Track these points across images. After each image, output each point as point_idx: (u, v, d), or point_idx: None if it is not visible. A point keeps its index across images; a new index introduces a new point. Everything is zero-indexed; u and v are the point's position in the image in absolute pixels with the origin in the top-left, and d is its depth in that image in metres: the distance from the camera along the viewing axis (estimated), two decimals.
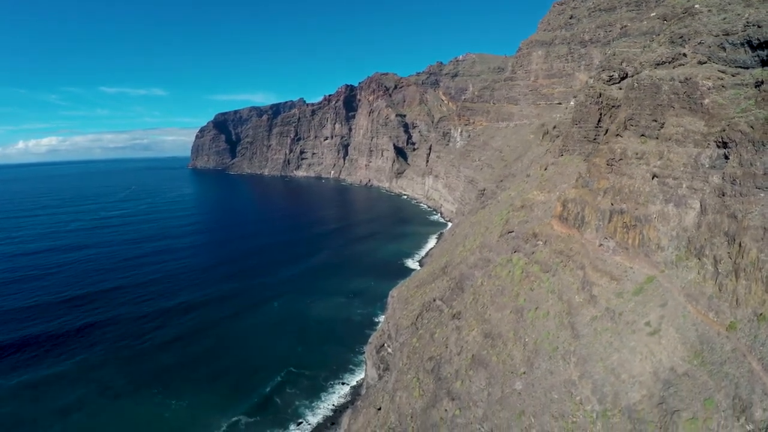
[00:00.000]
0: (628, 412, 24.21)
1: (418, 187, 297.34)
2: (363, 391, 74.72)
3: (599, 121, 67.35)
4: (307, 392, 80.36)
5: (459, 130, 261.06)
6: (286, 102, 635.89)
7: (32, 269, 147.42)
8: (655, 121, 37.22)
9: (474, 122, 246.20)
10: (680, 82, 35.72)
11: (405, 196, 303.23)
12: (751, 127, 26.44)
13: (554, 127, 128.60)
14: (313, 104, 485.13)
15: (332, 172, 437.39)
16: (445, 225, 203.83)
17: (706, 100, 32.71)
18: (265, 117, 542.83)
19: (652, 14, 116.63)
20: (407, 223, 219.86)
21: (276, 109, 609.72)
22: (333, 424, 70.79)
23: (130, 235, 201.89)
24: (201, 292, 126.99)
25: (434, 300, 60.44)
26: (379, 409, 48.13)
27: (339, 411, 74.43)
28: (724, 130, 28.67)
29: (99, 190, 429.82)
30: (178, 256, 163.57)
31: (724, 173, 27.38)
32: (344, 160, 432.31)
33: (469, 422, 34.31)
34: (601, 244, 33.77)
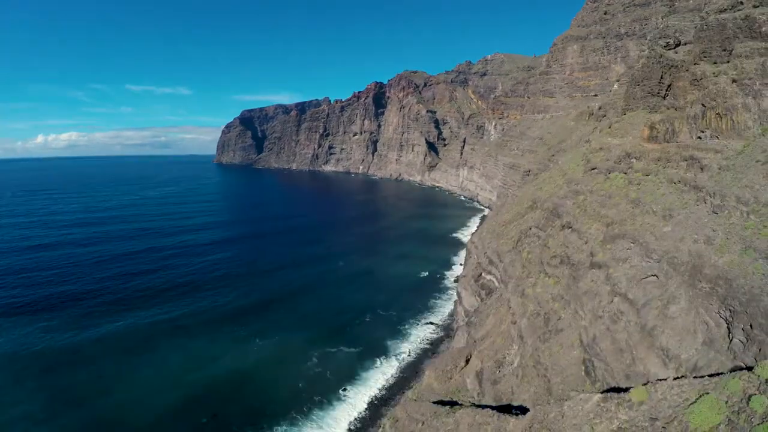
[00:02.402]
0: None
1: (452, 178, 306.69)
2: (457, 321, 78.48)
3: (662, 78, 78.84)
4: (394, 328, 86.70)
5: (493, 124, 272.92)
6: (312, 101, 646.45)
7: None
8: (725, 50, 50.02)
9: (508, 116, 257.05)
10: (741, 20, 48.67)
11: (438, 188, 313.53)
12: None
13: (599, 108, 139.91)
14: (341, 101, 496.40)
15: (361, 167, 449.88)
16: (484, 210, 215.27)
17: (764, 28, 45.54)
18: (293, 113, 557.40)
19: None
20: (448, 207, 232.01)
21: (301, 107, 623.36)
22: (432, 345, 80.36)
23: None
24: (276, 258, 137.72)
25: (530, 228, 71.26)
26: (510, 307, 51.27)
27: (435, 343, 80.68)
28: None
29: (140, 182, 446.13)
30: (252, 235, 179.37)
31: None
32: (373, 156, 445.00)
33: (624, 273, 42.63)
34: (698, 137, 46.04)
